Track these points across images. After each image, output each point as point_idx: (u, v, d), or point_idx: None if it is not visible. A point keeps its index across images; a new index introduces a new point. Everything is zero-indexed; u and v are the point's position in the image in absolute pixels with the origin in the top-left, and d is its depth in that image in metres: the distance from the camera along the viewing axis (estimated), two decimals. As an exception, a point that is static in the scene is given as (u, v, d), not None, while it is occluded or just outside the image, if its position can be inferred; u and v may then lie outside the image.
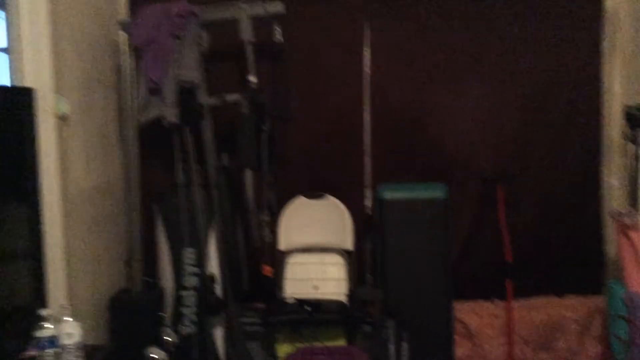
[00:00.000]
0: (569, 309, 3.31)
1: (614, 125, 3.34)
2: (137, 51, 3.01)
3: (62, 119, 2.54)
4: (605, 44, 3.32)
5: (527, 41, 3.34)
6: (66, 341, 1.98)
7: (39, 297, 2.29)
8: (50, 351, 1.88)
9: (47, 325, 1.88)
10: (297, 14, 3.26)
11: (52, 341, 1.88)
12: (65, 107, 2.55)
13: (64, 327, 1.98)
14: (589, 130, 3.38)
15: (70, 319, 2.00)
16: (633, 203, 3.04)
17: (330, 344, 2.95)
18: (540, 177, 3.40)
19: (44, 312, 1.92)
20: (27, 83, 2.38)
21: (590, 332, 3.30)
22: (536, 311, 3.32)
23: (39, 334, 1.88)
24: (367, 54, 3.33)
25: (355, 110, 3.35)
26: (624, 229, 2.84)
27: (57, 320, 1.96)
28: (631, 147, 3.05)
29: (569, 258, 3.40)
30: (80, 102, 2.77)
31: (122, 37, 3.02)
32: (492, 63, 3.36)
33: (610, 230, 3.30)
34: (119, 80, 3.14)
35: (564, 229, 3.41)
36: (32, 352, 1.99)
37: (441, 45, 3.36)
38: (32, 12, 2.39)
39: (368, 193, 3.36)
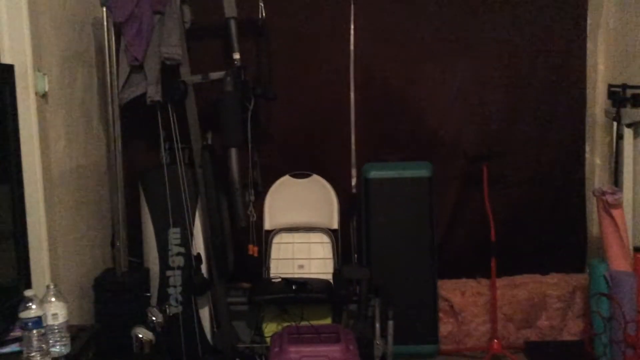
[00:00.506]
0: (552, 286, 3.35)
1: (597, 103, 3.36)
2: (118, 28, 2.95)
3: (43, 96, 2.49)
4: (589, 23, 3.33)
5: (512, 19, 3.33)
6: (51, 322, 1.95)
7: (23, 278, 2.26)
8: (35, 332, 1.85)
9: (32, 306, 1.86)
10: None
11: (37, 322, 1.86)
12: (45, 85, 2.49)
13: (49, 308, 1.95)
14: (573, 109, 3.40)
15: (55, 300, 1.97)
16: (615, 181, 3.07)
17: (316, 322, 2.96)
18: (524, 156, 3.42)
19: (28, 293, 1.89)
20: (6, 60, 2.32)
21: (572, 309, 3.35)
22: (520, 289, 3.36)
23: (24, 315, 1.85)
24: (352, 31, 3.30)
25: (341, 89, 3.33)
26: (607, 207, 2.87)
27: (42, 301, 1.93)
28: (614, 125, 3.07)
29: (552, 236, 3.43)
30: (61, 80, 2.71)
31: (103, 13, 2.96)
32: (477, 42, 3.35)
33: (593, 209, 3.33)
34: (100, 58, 3.08)
35: (547, 207, 3.44)
36: (17, 333, 1.97)
37: (427, 23, 3.34)
38: (10, -14, 2.32)
39: (353, 172, 3.35)
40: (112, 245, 3.12)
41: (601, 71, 3.33)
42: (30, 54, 2.38)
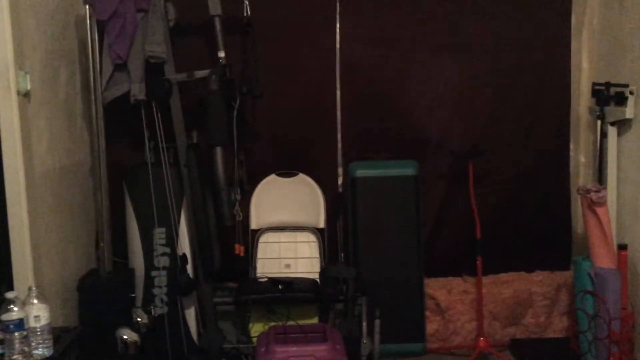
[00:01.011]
0: (537, 284, 3.37)
1: (581, 102, 3.38)
2: (101, 25, 2.91)
3: (25, 95, 2.46)
4: (573, 21, 3.34)
5: (498, 18, 3.34)
6: (34, 324, 1.93)
7: (5, 280, 2.24)
8: (17, 334, 1.83)
9: (13, 308, 1.83)
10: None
11: (19, 324, 1.83)
12: (27, 84, 2.46)
13: (32, 310, 1.93)
14: (557, 107, 3.41)
15: (38, 302, 1.95)
16: (600, 179, 3.09)
17: (303, 322, 2.95)
18: (509, 154, 3.42)
19: (10, 295, 1.87)
20: (-13, 58, 2.29)
21: (557, 306, 3.37)
22: (505, 287, 3.37)
23: (6, 317, 1.83)
24: (338, 29, 3.29)
25: (327, 87, 3.32)
26: (592, 205, 2.89)
27: (24, 303, 1.91)
28: (598, 123, 3.09)
29: (537, 234, 3.45)
30: (43, 79, 2.68)
31: (86, 11, 2.92)
32: (463, 40, 3.35)
33: (577, 207, 3.35)
34: (83, 56, 3.05)
35: (532, 205, 3.46)
36: (-1, 336, 1.95)
37: (413, 23, 3.34)
38: (-9, -16, 2.29)
39: (340, 171, 3.34)
40: (96, 245, 3.09)
41: (585, 69, 3.35)
42: (12, 52, 2.35)
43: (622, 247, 2.89)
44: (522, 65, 3.37)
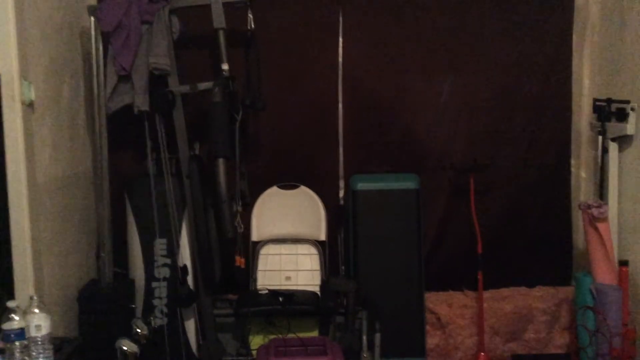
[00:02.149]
0: (538, 299, 3.36)
1: (583, 117, 3.39)
2: (106, 37, 2.94)
3: (29, 105, 2.47)
4: (575, 37, 3.36)
5: (500, 32, 3.36)
6: (34, 333, 1.93)
7: (6, 289, 2.23)
8: (17, 344, 1.83)
9: (14, 317, 1.83)
10: (271, 2, 3.23)
11: (20, 333, 1.83)
12: (31, 94, 2.47)
13: (33, 319, 1.92)
14: (558, 122, 3.42)
15: (39, 311, 1.94)
16: (601, 195, 3.09)
17: (303, 334, 2.94)
18: (510, 169, 3.43)
19: (11, 304, 1.86)
20: (-8, 68, 2.30)
21: (558, 322, 3.35)
22: (506, 302, 3.36)
23: (6, 326, 1.82)
24: (340, 43, 3.31)
25: (329, 100, 3.34)
26: (593, 221, 2.89)
27: (25, 313, 1.91)
28: (600, 139, 3.10)
29: (538, 249, 3.45)
30: (48, 89, 2.69)
31: (91, 22, 2.95)
32: (464, 54, 3.37)
33: (579, 222, 3.35)
34: (88, 67, 3.07)
35: (533, 220, 3.46)
36: (0, 345, 1.95)
37: (416, 36, 3.36)
38: (-3, -5, 2.31)
39: (341, 183, 3.35)
40: (97, 255, 3.09)
41: (586, 85, 3.37)
42: (16, 62, 2.36)
43: (623, 263, 2.89)
44: (524, 81, 3.39)
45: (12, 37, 2.35)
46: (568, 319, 3.33)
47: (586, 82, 3.37)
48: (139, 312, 3.05)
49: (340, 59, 3.31)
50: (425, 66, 3.37)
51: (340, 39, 3.31)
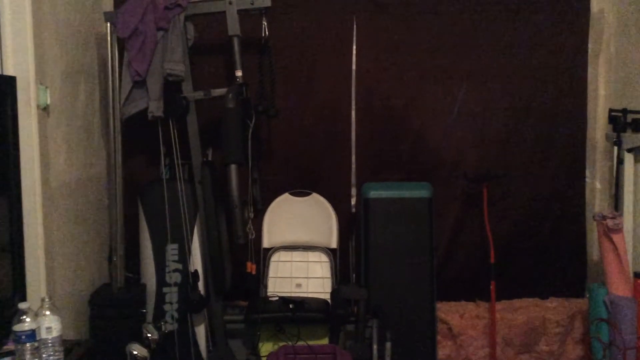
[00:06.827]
0: (551, 311, 3.33)
1: (598, 128, 3.36)
2: (122, 43, 2.96)
3: (44, 109, 2.49)
4: (590, 47, 3.34)
5: (515, 41, 3.35)
6: (45, 335, 1.93)
7: (18, 291, 2.25)
8: (28, 345, 1.83)
9: (26, 319, 1.84)
10: (285, 9, 3.24)
11: (31, 335, 1.84)
12: (47, 98, 2.50)
13: (44, 321, 1.93)
14: (573, 133, 3.40)
15: (50, 313, 1.95)
16: (616, 206, 3.06)
17: (313, 342, 2.93)
18: (524, 179, 3.41)
19: (23, 306, 1.87)
20: (9, 73, 2.33)
21: (571, 334, 3.31)
22: (519, 313, 3.33)
23: (18, 327, 1.83)
24: (354, 51, 3.32)
25: (342, 108, 3.34)
26: (608, 232, 2.86)
27: (36, 314, 1.92)
28: (615, 150, 3.07)
29: (552, 260, 3.41)
30: (63, 93, 2.72)
31: (107, 28, 2.98)
32: (479, 63, 3.36)
33: (593, 233, 3.32)
34: (103, 72, 3.09)
35: (547, 230, 3.43)
36: (11, 346, 1.95)
37: (429, 44, 3.35)
38: (15, 1, 2.33)
39: (353, 191, 3.34)
40: (109, 260, 3.10)
41: (602, 96, 3.34)
42: (33, 67, 2.39)
43: (638, 275, 2.86)
44: (538, 90, 3.37)
45: (29, 42, 2.38)
46: (582, 331, 3.29)
47: (602, 92, 3.34)
48: (149, 316, 3.06)
49: (353, 67, 3.31)
50: (439, 74, 3.37)
51: (354, 47, 3.31)
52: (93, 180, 3.06)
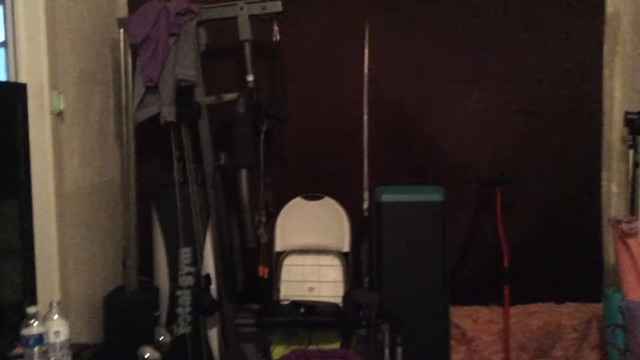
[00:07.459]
0: (567, 316, 3.29)
1: (614, 131, 3.31)
2: (135, 49, 3.00)
3: (58, 115, 2.53)
4: (606, 49, 3.29)
5: (528, 43, 3.31)
6: (53, 339, 1.96)
7: (29, 295, 2.28)
8: (36, 349, 1.86)
9: (34, 323, 1.87)
10: (296, 14, 3.25)
11: (39, 339, 1.86)
12: (61, 103, 2.54)
13: (52, 325, 1.96)
14: (588, 136, 3.34)
15: (58, 317, 1.98)
16: (632, 210, 3.01)
17: (324, 346, 2.93)
18: (539, 182, 3.36)
19: (31, 310, 1.90)
20: (23, 78, 2.37)
21: (587, 339, 3.27)
22: (533, 318, 3.30)
23: (26, 331, 1.86)
24: (366, 54, 3.31)
25: (354, 112, 3.33)
26: (623, 237, 2.82)
27: (45, 318, 1.94)
28: (631, 153, 3.02)
29: (567, 265, 3.37)
30: (77, 99, 2.76)
31: (121, 34, 3.01)
32: (492, 66, 3.33)
33: (609, 238, 3.26)
34: (117, 78, 3.13)
35: (562, 235, 3.38)
36: (19, 350, 1.98)
37: (442, 47, 3.33)
38: (29, 7, 2.38)
39: (366, 195, 3.34)
40: (123, 263, 3.14)
41: (617, 98, 3.29)
42: (46, 73, 2.44)
43: (655, 281, 2.81)
44: (553, 93, 3.33)
45: (43, 49, 2.43)
46: (597, 337, 3.24)
47: (617, 94, 3.29)
48: (162, 319, 3.08)
49: (365, 70, 3.30)
50: (452, 77, 3.34)
51: (366, 50, 3.31)
52: (107, 185, 3.10)
